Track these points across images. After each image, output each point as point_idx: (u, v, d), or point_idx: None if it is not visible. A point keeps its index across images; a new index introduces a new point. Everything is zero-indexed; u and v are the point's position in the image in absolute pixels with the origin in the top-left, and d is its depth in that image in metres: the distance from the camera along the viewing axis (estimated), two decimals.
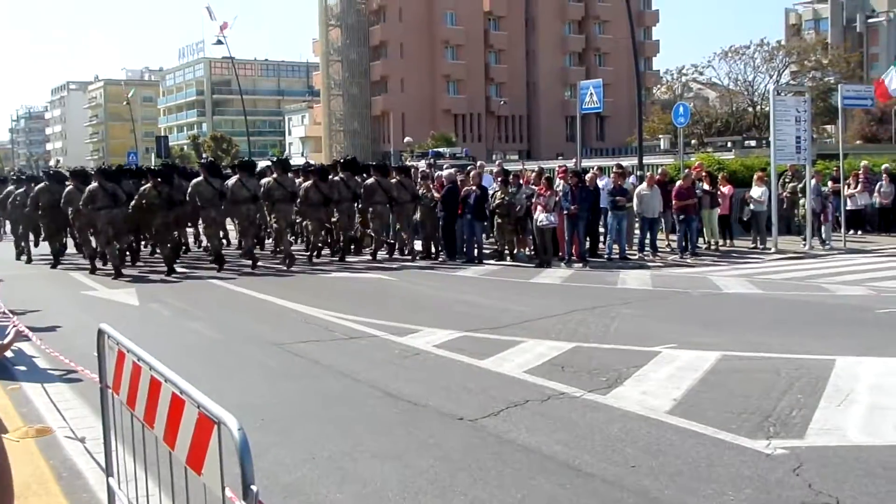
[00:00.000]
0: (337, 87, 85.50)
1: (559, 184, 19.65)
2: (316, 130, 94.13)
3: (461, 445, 6.57)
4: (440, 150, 40.82)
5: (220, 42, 55.89)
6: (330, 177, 21.39)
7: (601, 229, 21.10)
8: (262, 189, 20.24)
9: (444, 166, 26.28)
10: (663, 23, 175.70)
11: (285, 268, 19.08)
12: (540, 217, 18.77)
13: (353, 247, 21.97)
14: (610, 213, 19.89)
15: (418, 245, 21.53)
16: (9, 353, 10.10)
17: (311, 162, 32.23)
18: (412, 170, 24.07)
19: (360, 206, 21.63)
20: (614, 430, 6.82)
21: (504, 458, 6.25)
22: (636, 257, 19.99)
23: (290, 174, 21.84)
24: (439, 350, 10.05)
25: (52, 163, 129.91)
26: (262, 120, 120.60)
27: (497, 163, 26.20)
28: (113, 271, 18.25)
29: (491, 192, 20.32)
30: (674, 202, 20.12)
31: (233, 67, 69.38)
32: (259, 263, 19.30)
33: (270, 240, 23.43)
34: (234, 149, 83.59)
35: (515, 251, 20.38)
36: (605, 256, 19.91)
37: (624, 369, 8.79)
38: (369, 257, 21.46)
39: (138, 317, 13.43)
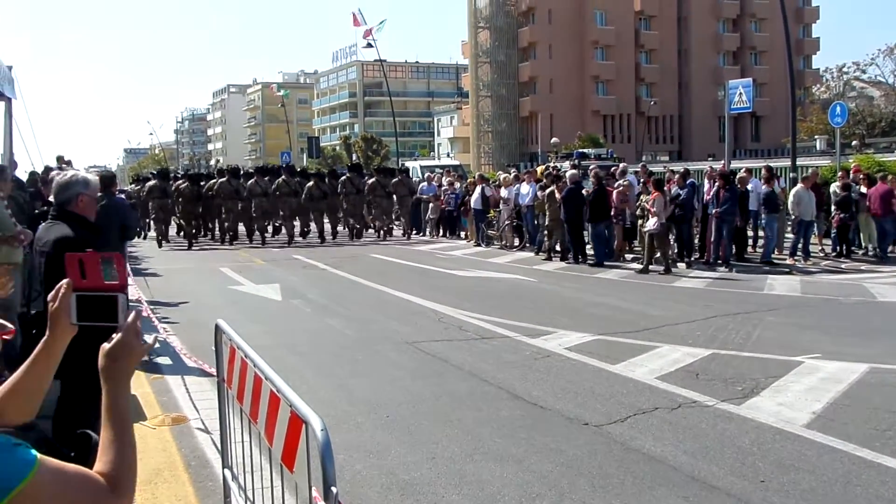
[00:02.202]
0: (485, 88, 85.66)
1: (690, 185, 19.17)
2: (464, 131, 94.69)
3: (584, 451, 6.43)
4: (584, 150, 40.26)
5: (370, 45, 56.98)
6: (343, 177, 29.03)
7: (749, 232, 20.47)
8: (272, 187, 27.50)
9: (590, 167, 25.91)
10: (824, 19, 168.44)
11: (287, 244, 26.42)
12: (647, 222, 18.30)
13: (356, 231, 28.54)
14: (764, 216, 19.17)
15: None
16: (154, 342, 10.57)
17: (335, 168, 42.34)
18: (408, 171, 33.93)
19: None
20: (745, 443, 6.54)
21: (627, 466, 6.09)
22: (788, 262, 19.16)
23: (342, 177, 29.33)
24: (571, 353, 9.91)
25: (212, 162, 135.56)
26: (412, 121, 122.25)
27: (641, 165, 25.64)
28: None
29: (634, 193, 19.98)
30: (872, 205, 19.32)
31: (383, 70, 70.55)
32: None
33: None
34: (385, 149, 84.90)
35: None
36: (760, 260, 19.19)
37: (762, 379, 8.44)
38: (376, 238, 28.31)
39: (280, 312, 13.80)
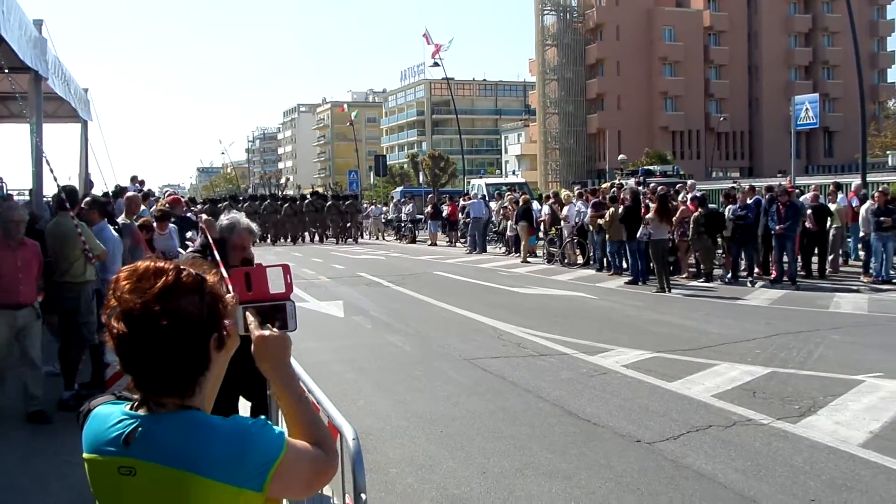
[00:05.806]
0: (553, 105, 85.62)
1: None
2: (531, 148, 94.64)
3: (634, 468, 6.46)
4: (650, 167, 40.02)
5: (437, 64, 57.33)
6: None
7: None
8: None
9: (651, 184, 25.81)
10: None
11: None
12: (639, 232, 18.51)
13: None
14: (873, 234, 18.46)
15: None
16: None
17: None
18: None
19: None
20: (798, 461, 6.51)
21: (676, 483, 6.10)
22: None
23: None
24: (628, 370, 9.92)
25: (282, 181, 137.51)
26: (479, 139, 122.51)
27: (690, 182, 25.48)
28: None
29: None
30: None
31: (450, 88, 70.91)
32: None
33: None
34: (452, 167, 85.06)
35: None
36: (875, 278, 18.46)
37: (820, 398, 8.36)
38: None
39: (342, 328, 14.02)
